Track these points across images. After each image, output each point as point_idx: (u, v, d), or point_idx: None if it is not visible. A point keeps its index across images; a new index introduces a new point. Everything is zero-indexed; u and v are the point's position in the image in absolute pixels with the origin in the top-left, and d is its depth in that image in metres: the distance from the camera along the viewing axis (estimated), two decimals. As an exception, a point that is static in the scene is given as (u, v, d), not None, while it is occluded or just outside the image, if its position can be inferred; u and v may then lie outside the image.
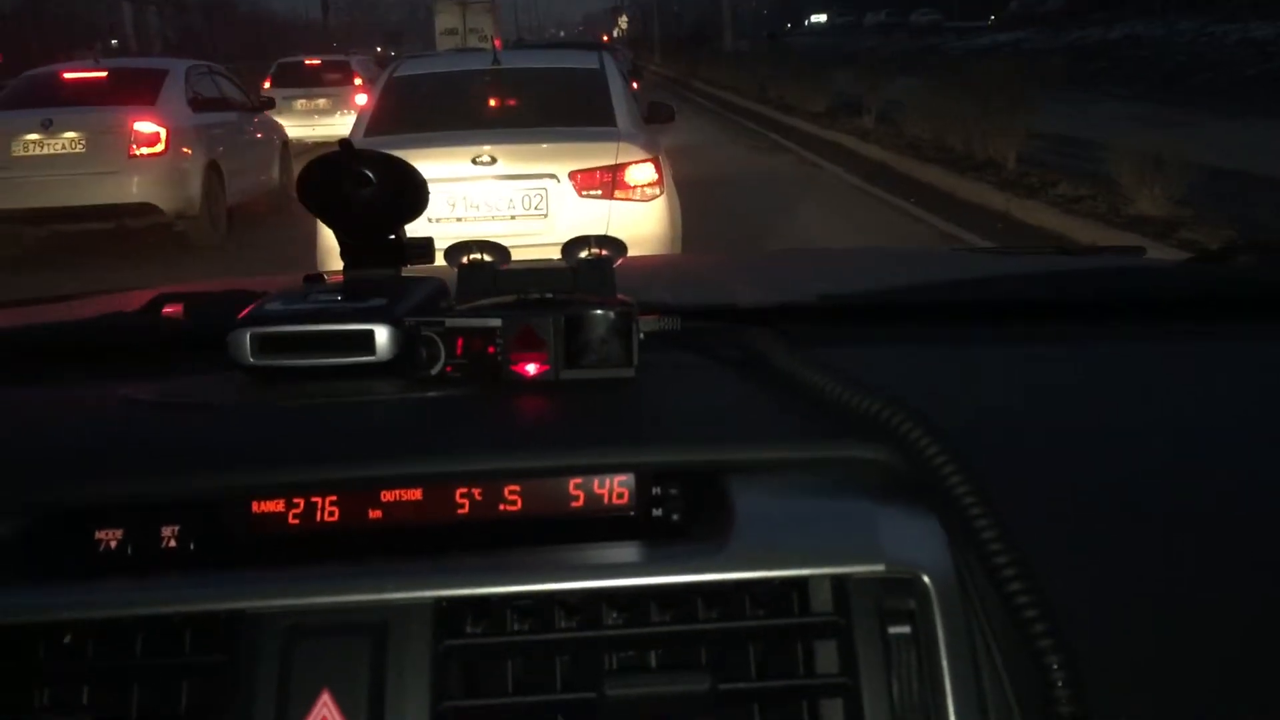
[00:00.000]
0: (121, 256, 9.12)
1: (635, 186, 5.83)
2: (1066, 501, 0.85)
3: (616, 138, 5.97)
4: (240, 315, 0.98)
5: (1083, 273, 1.58)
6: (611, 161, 5.78)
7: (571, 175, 5.74)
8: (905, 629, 0.74)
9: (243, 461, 0.88)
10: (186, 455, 0.90)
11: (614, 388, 0.95)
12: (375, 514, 0.86)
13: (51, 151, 9.13)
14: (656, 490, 0.87)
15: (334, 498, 0.86)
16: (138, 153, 9.19)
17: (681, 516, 0.86)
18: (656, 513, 0.87)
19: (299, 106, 18.27)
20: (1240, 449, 0.94)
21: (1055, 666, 0.71)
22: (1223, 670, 0.75)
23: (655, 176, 5.89)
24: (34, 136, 9.11)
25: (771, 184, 12.36)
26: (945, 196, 11.16)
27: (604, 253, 1.05)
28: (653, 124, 7.00)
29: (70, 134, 9.14)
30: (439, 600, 0.74)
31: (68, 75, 10.16)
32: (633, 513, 0.87)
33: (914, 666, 0.73)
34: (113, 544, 0.85)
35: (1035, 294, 1.33)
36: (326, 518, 0.86)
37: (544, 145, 5.92)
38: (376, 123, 6.25)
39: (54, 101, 9.42)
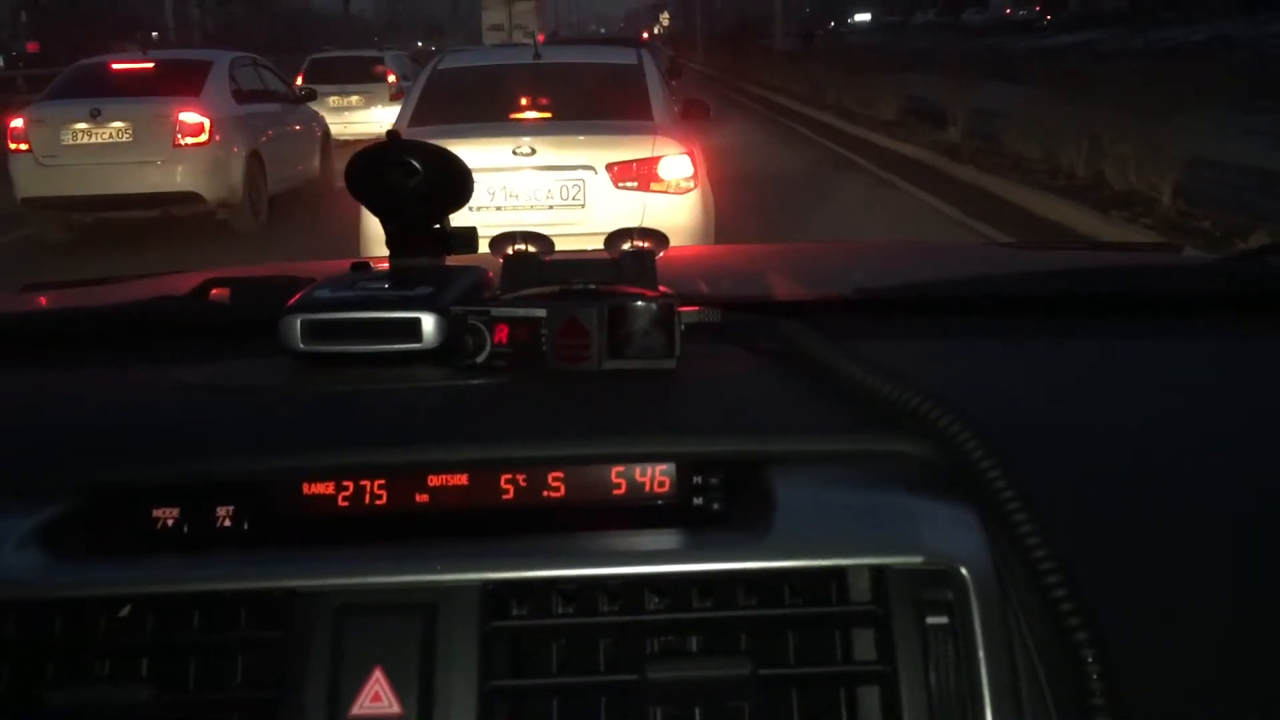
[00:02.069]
0: (165, 243, 9.28)
1: (670, 180, 5.94)
2: (1100, 497, 0.86)
3: (652, 131, 6.11)
4: (290, 302, 1.00)
5: (1117, 269, 1.58)
6: (648, 154, 5.92)
7: (608, 167, 5.89)
8: (943, 620, 0.75)
9: (294, 445, 0.90)
10: (240, 438, 0.92)
11: (656, 378, 0.97)
12: (422, 498, 0.89)
13: (99, 140, 9.38)
14: (697, 480, 0.88)
15: (382, 481, 0.89)
16: (182, 142, 9.40)
17: (721, 505, 0.88)
18: (697, 501, 0.88)
19: (331, 103, 18.11)
20: (1275, 447, 0.94)
21: (1090, 660, 0.72)
22: (1255, 667, 0.76)
23: (690, 170, 5.99)
24: (83, 125, 9.36)
25: (847, 213, 10.00)
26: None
27: (647, 245, 1.07)
28: (689, 120, 7.10)
29: (118, 123, 9.38)
30: (486, 583, 0.76)
31: (116, 66, 10.33)
32: (674, 501, 0.89)
33: (951, 657, 0.74)
34: (169, 522, 0.88)
35: (1070, 289, 1.33)
36: (375, 501, 0.88)
37: (582, 137, 6.08)
38: (421, 114, 6.41)
39: (102, 91, 9.64)
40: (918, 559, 0.76)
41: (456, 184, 1.08)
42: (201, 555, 0.82)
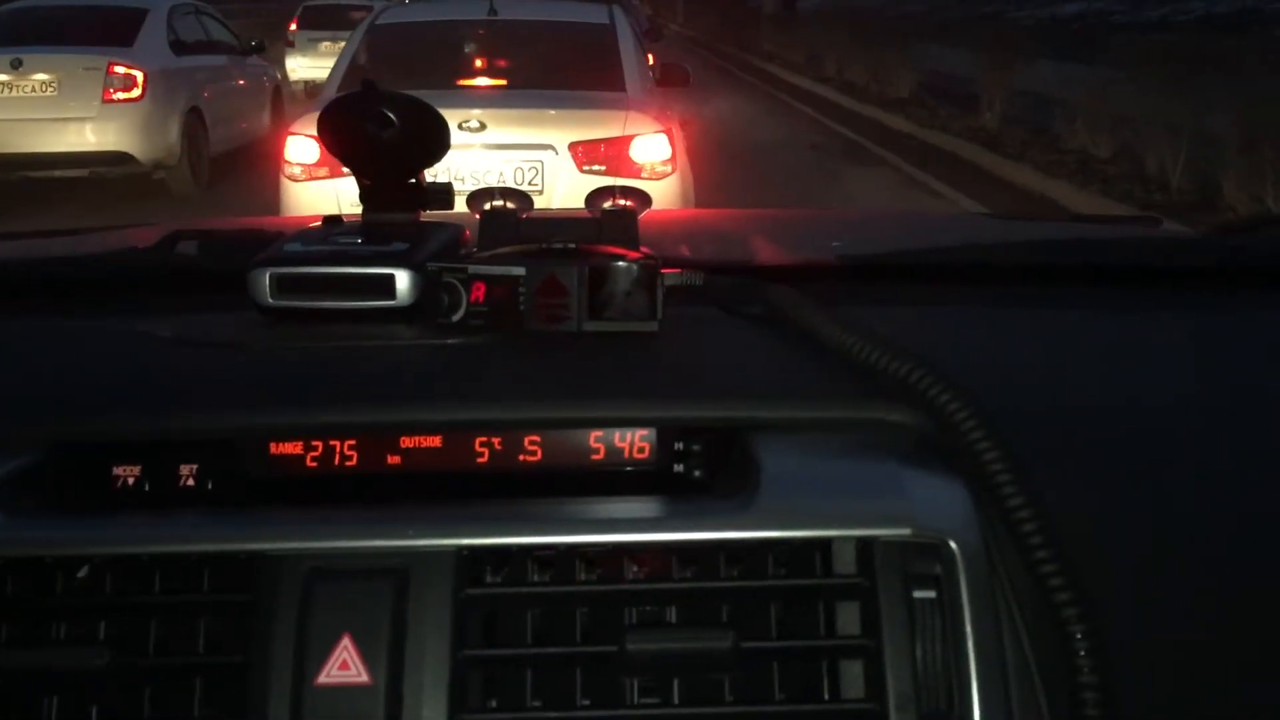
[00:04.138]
0: (96, 205, 8.84)
1: (644, 163, 5.22)
2: (1085, 469, 0.87)
3: (625, 105, 5.39)
4: (260, 255, 0.99)
5: (1104, 241, 1.60)
6: (619, 132, 5.18)
7: (571, 147, 5.16)
8: (930, 593, 0.75)
9: (261, 402, 0.90)
10: (205, 393, 0.91)
11: (637, 341, 0.97)
12: (394, 460, 0.88)
13: (21, 94, 8.84)
14: (679, 446, 0.88)
15: (353, 441, 0.88)
16: (113, 97, 8.87)
17: (703, 473, 0.88)
18: (678, 468, 0.88)
19: (324, 48, 17.51)
20: (1263, 420, 0.95)
21: (1079, 635, 0.73)
22: (1243, 640, 0.77)
23: (668, 153, 5.29)
24: (3, 78, 8.80)
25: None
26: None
27: (629, 203, 1.06)
28: (666, 87, 6.49)
29: (41, 75, 8.85)
30: (460, 548, 0.76)
31: (41, 12, 9.74)
32: (654, 467, 0.89)
33: (937, 632, 0.74)
34: (130, 480, 0.87)
35: (1057, 259, 1.35)
36: (345, 462, 0.88)
37: (541, 111, 5.35)
38: (352, 77, 5.66)
39: (25, 40, 9.07)
40: (906, 531, 0.76)
41: (433, 137, 1.07)
42: (164, 515, 0.82)
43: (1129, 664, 0.74)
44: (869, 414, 0.88)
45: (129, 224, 1.78)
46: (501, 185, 1.00)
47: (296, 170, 5.21)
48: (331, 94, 5.59)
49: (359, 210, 1.13)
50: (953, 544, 0.76)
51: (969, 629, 0.74)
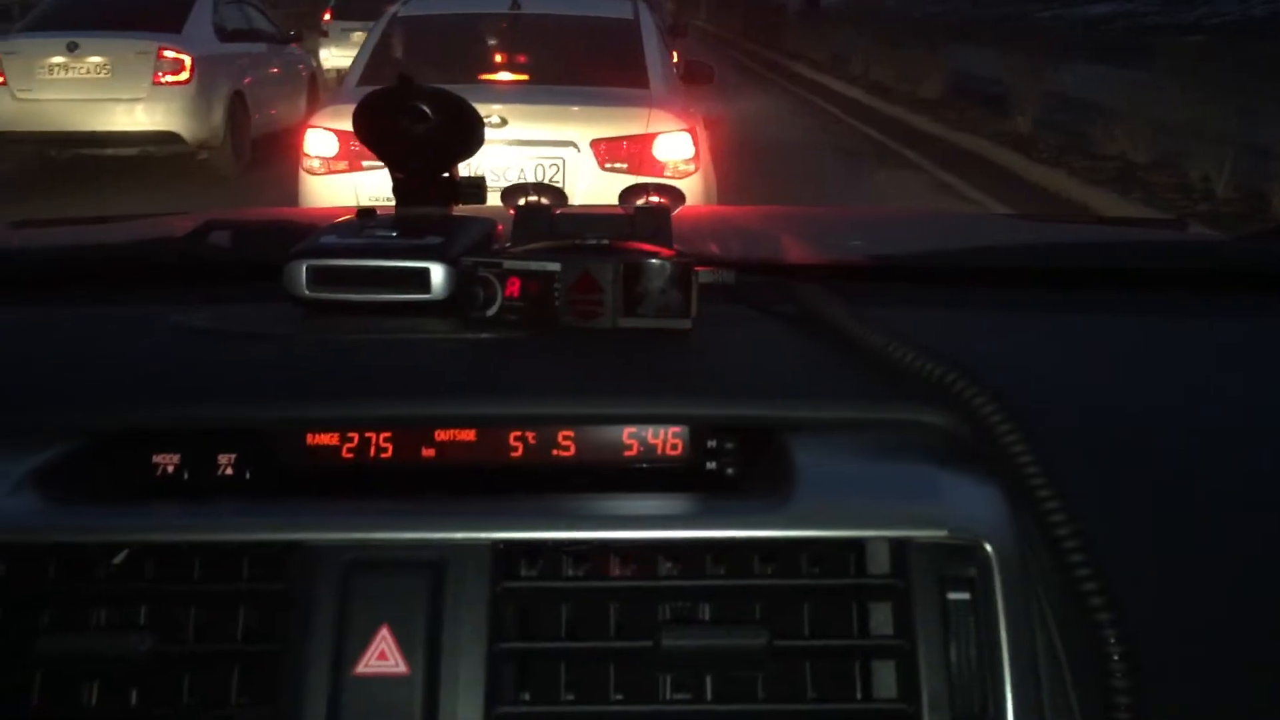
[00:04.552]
0: (144, 183, 9.07)
1: (667, 161, 5.04)
2: (1115, 474, 0.85)
3: (648, 102, 5.20)
4: (296, 247, 0.98)
5: (1133, 244, 1.56)
6: (641, 130, 5.02)
7: (594, 144, 5.00)
8: (964, 595, 0.74)
9: (299, 393, 0.89)
10: (243, 384, 0.91)
11: (670, 338, 0.95)
12: (428, 453, 0.87)
13: (77, 76, 9.16)
14: (711, 443, 0.87)
15: (388, 434, 0.87)
16: (162, 80, 9.19)
17: (736, 471, 0.87)
18: (710, 466, 0.87)
19: (355, 39, 17.78)
20: None
21: (1112, 640, 0.71)
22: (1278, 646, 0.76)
23: (691, 151, 5.09)
24: (60, 60, 9.13)
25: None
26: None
27: (663, 200, 1.05)
28: (691, 85, 6.29)
29: (95, 58, 9.16)
30: (496, 543, 0.74)
31: None
32: (686, 465, 0.87)
33: (972, 634, 0.73)
34: (170, 468, 0.86)
35: (1087, 263, 1.32)
36: (380, 454, 0.87)
37: (564, 107, 5.16)
38: (372, 70, 5.48)
39: (81, 25, 9.38)
40: (941, 533, 0.75)
41: (467, 132, 1.05)
42: (204, 503, 0.80)
43: (1160, 667, 0.73)
44: (902, 415, 0.86)
45: (164, 211, 1.79)
46: (535, 181, 1.01)
47: (315, 163, 5.10)
48: (352, 86, 5.46)
49: (378, 203, 1.13)
50: (988, 546, 0.74)
51: (1003, 631, 0.72)
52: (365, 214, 1.07)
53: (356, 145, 4.69)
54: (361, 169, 4.87)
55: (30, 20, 9.98)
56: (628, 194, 1.07)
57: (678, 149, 5.09)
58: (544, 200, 1.06)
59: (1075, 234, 1.78)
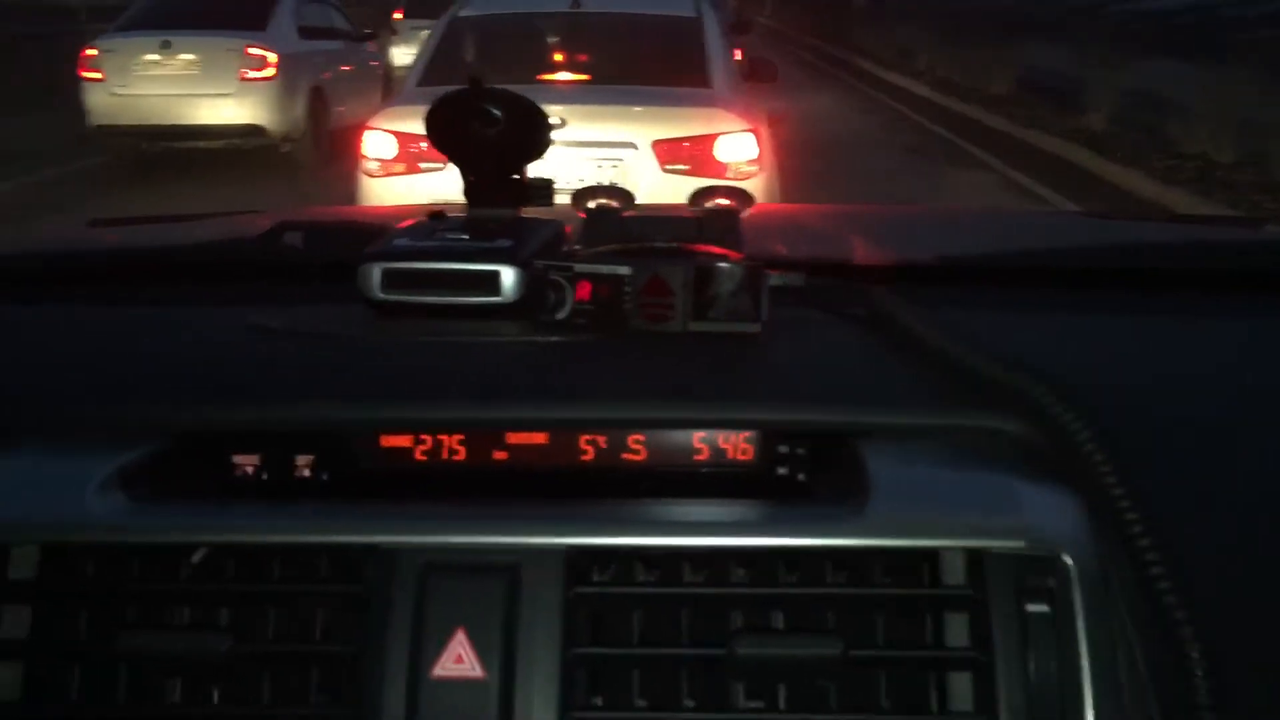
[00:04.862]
0: (229, 174, 9.42)
1: (729, 163, 4.83)
2: (1195, 482, 0.82)
3: (711, 102, 5.03)
4: (369, 250, 0.97)
5: (1212, 243, 1.51)
6: (703, 131, 4.84)
7: (654, 145, 4.82)
8: (1044, 607, 0.71)
9: (373, 395, 0.89)
10: (320, 386, 0.90)
11: (740, 342, 0.94)
12: (500, 455, 0.87)
13: (169, 72, 9.58)
14: (782, 449, 0.86)
15: (461, 436, 0.87)
16: (248, 76, 9.59)
17: (806, 476, 0.85)
18: (781, 471, 0.86)
19: (425, 37, 17.80)
20: None
21: (1196, 656, 0.69)
22: None
23: (755, 152, 4.89)
24: (153, 57, 9.54)
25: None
26: None
27: (731, 203, 1.04)
28: (753, 82, 6.09)
29: (187, 55, 9.57)
30: (570, 547, 0.73)
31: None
32: (756, 470, 0.86)
33: (1051, 646, 0.71)
34: (249, 469, 0.86)
35: (1165, 263, 1.28)
36: (453, 456, 0.87)
37: (624, 107, 4.98)
38: (432, 70, 5.38)
39: (172, 24, 9.77)
40: (1020, 543, 0.73)
41: (537, 135, 1.04)
42: (284, 504, 0.81)
43: (1243, 683, 0.70)
44: (976, 422, 0.84)
45: (242, 209, 1.78)
46: (605, 184, 1.06)
47: (374, 165, 5.01)
48: (412, 87, 5.38)
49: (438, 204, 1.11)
50: (1067, 558, 0.72)
51: (1083, 644, 0.70)
52: (436, 216, 1.06)
53: (415, 147, 4.77)
54: (420, 170, 4.81)
55: (124, 20, 10.33)
56: (697, 196, 1.06)
57: (741, 150, 4.89)
58: (613, 203, 1.05)
59: (1149, 233, 1.73)
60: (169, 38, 9.67)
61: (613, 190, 1.07)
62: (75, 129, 10.04)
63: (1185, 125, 8.95)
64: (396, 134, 4.97)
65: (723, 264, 0.94)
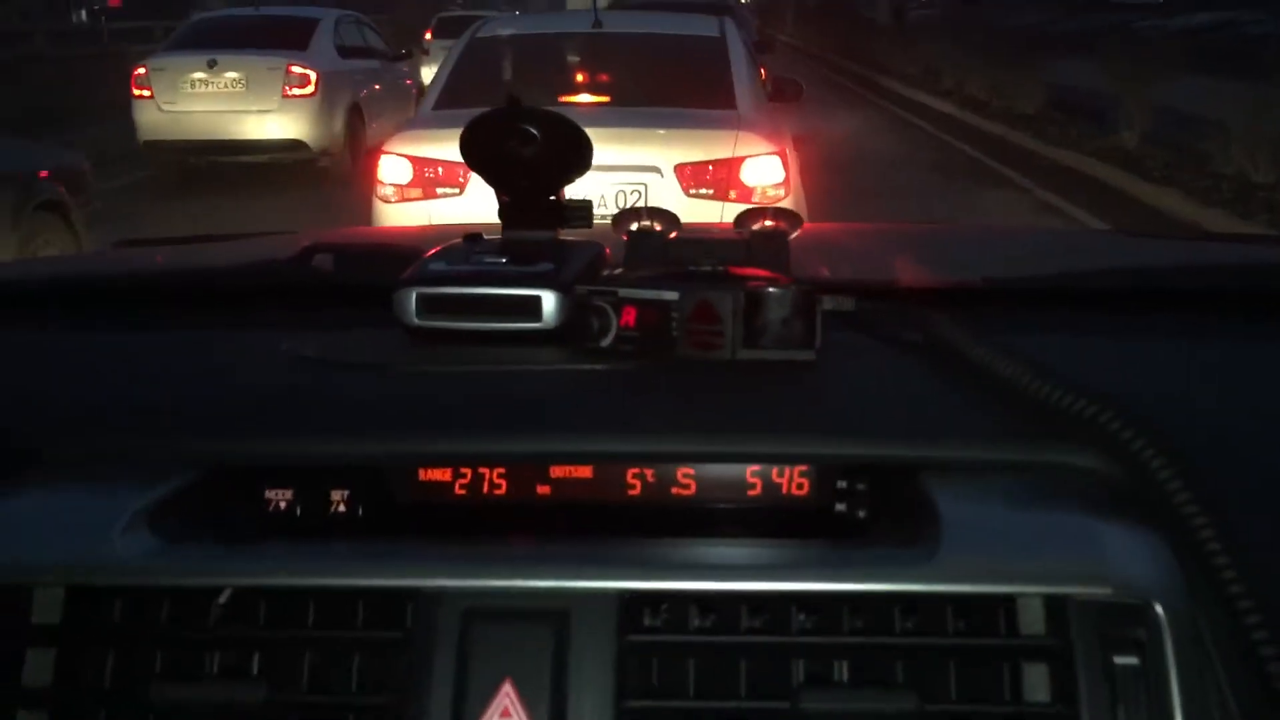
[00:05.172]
0: (270, 187, 9.69)
1: (755, 186, 4.61)
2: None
3: (736, 124, 4.74)
4: (405, 274, 0.93)
5: (1270, 264, 1.44)
6: (728, 154, 4.58)
7: (678, 169, 4.57)
8: (1133, 660, 0.66)
9: (411, 427, 0.84)
10: (356, 417, 0.85)
11: (792, 370, 0.88)
12: (543, 490, 0.82)
13: (215, 90, 9.88)
14: (841, 484, 0.81)
15: (502, 470, 0.82)
16: (290, 93, 9.89)
17: (867, 514, 0.80)
18: (839, 508, 0.81)
19: None
20: None
21: None
22: None
23: (781, 175, 4.66)
24: (200, 75, 9.84)
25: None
26: None
27: (780, 225, 0.99)
28: (778, 101, 5.86)
29: (232, 74, 9.86)
30: (623, 592, 0.68)
31: (230, 21, 10.91)
32: (814, 506, 0.81)
33: (1142, 702, 0.65)
34: (282, 505, 0.82)
35: (1227, 284, 1.21)
36: (494, 490, 0.82)
37: (647, 130, 4.72)
38: (450, 92, 5.10)
39: (218, 44, 10.11)
40: (1106, 590, 0.67)
41: (575, 154, 1.00)
42: (319, 544, 0.75)
43: None
44: (1051, 457, 0.78)
45: (274, 229, 1.71)
46: (649, 206, 1.02)
47: (389, 191, 4.77)
48: (428, 109, 5.12)
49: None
50: (1158, 607, 0.66)
51: (1176, 700, 0.64)
52: (472, 238, 1.02)
53: (432, 172, 4.55)
54: (436, 196, 4.60)
55: (172, 40, 10.71)
56: (744, 218, 1.01)
57: (767, 173, 4.65)
58: (656, 225, 1.00)
59: (1204, 253, 1.66)
60: (215, 57, 9.96)
61: (655, 212, 1.02)
62: (122, 145, 10.33)
63: (1220, 144, 8.52)
64: (412, 159, 4.72)
65: (774, 290, 0.89)
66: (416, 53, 17.74)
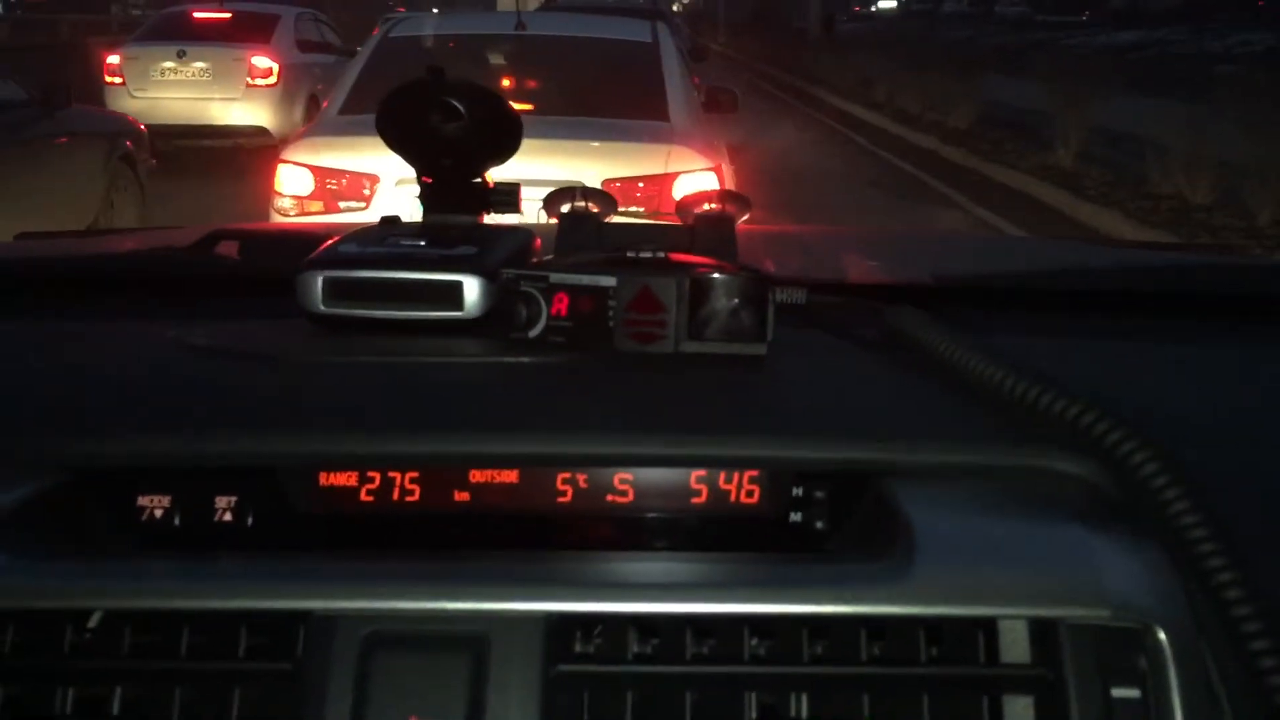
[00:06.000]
0: (233, 171, 9.77)
1: None
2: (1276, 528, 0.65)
3: (669, 137, 4.38)
4: (310, 257, 0.81)
5: (1212, 266, 1.41)
6: (661, 169, 4.24)
7: (606, 185, 4.11)
8: (1134, 692, 0.56)
9: (310, 425, 0.71)
10: (245, 413, 0.73)
11: (742, 365, 0.78)
12: (462, 496, 0.71)
13: (183, 78, 10.28)
14: (796, 491, 0.70)
15: (415, 474, 0.70)
16: (254, 83, 10.34)
17: (826, 525, 0.69)
18: (795, 517, 0.70)
19: None
20: None
21: None
22: None
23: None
24: (170, 64, 10.23)
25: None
26: None
27: (728, 209, 0.89)
28: (713, 112, 5.42)
29: (200, 64, 10.27)
30: (550, 615, 0.57)
31: (197, 14, 11.24)
32: (766, 515, 0.70)
33: None
34: (158, 513, 0.69)
35: (1185, 287, 1.16)
36: (406, 497, 0.70)
37: (572, 142, 4.30)
38: (356, 95, 4.56)
39: (186, 36, 10.53)
40: (1103, 613, 0.57)
41: (503, 133, 0.90)
42: (198, 560, 0.62)
43: None
44: (1032, 461, 0.68)
45: (170, 225, 1.49)
46: (583, 186, 0.93)
47: (287, 204, 4.24)
48: (332, 115, 4.62)
49: None
50: (1160, 632, 0.57)
51: None
52: (388, 221, 0.91)
53: (335, 183, 4.07)
54: (339, 210, 4.15)
55: (142, 32, 11.04)
56: (687, 203, 0.91)
57: (701, 190, 4.00)
58: (593, 207, 0.90)
59: (1160, 258, 1.61)
60: (184, 47, 10.32)
61: (591, 193, 0.91)
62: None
63: (1160, 163, 8.17)
64: (313, 168, 4.17)
65: (724, 276, 0.77)
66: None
